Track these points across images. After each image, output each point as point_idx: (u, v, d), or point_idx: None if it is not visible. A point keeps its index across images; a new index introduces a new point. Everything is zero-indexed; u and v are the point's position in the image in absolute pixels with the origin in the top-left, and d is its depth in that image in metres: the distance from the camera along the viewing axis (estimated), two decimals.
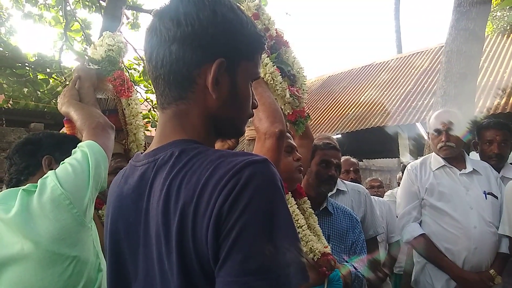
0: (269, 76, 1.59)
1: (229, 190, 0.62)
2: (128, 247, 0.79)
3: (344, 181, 2.85)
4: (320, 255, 1.60)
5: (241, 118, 0.85)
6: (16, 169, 1.32)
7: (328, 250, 1.64)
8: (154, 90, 0.83)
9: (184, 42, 0.75)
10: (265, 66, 1.59)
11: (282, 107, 1.69)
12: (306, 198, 1.81)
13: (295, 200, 1.68)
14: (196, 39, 0.75)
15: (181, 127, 0.79)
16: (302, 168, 1.73)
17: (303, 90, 1.77)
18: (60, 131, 1.75)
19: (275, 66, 1.62)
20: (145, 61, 0.82)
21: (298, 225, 1.62)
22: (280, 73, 1.63)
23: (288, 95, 1.65)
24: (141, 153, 0.85)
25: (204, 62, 0.76)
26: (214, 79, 0.76)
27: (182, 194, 0.67)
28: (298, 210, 1.67)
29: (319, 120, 10.86)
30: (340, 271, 1.84)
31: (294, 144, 1.74)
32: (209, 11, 0.76)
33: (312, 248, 1.60)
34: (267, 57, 1.63)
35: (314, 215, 1.78)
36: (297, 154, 1.72)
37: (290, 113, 1.74)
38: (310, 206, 1.79)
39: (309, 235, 1.62)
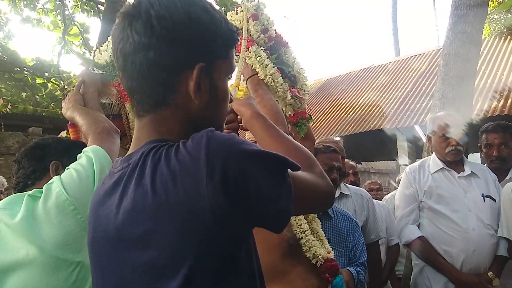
0: (269, 77, 1.57)
1: (212, 169, 0.64)
2: (106, 254, 0.76)
3: (347, 185, 2.87)
4: (323, 261, 1.59)
5: (220, 117, 0.85)
6: (23, 173, 1.32)
7: (332, 255, 1.60)
8: (129, 97, 0.81)
9: (160, 50, 0.73)
10: (266, 67, 1.57)
11: (284, 109, 1.67)
12: None
13: None
14: (172, 45, 0.73)
15: (155, 131, 0.78)
16: None
17: (304, 91, 1.74)
18: (59, 135, 1.75)
19: (276, 67, 1.60)
20: (118, 69, 0.80)
21: (301, 230, 1.59)
22: (280, 74, 1.61)
23: (289, 97, 1.63)
24: (120, 159, 0.83)
25: (183, 68, 0.75)
26: (196, 85, 0.75)
27: (158, 189, 0.66)
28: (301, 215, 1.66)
29: (317, 123, 10.87)
30: (343, 276, 1.84)
31: None
32: (183, 14, 0.74)
33: (315, 253, 1.56)
34: (267, 58, 1.60)
35: (318, 219, 1.77)
36: None
37: (292, 115, 1.72)
38: None
39: (312, 240, 1.59)
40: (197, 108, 0.77)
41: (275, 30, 1.72)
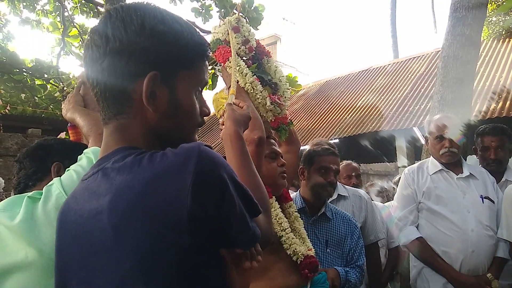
0: (249, 85, 1.64)
1: (198, 179, 0.66)
2: (74, 262, 0.76)
3: (345, 186, 2.87)
4: (303, 257, 1.63)
5: (186, 128, 0.84)
6: (25, 174, 1.32)
7: (312, 252, 1.68)
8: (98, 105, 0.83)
9: (114, 58, 0.76)
10: (245, 76, 1.64)
11: (264, 115, 1.73)
12: (292, 202, 1.85)
13: (279, 204, 1.71)
14: (125, 54, 0.75)
15: (123, 139, 0.79)
16: (286, 174, 1.76)
17: (285, 97, 1.81)
18: (58, 136, 1.74)
19: (255, 76, 1.67)
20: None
21: (282, 228, 1.66)
22: (260, 82, 1.68)
23: (269, 103, 1.69)
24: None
25: (137, 76, 0.76)
26: (147, 93, 0.76)
27: (135, 192, 0.67)
28: (282, 214, 1.70)
29: (316, 125, 10.88)
30: (328, 274, 1.86)
31: (278, 150, 1.78)
32: (136, 25, 0.76)
33: (295, 250, 1.64)
34: (247, 67, 1.68)
35: (300, 219, 1.81)
36: (281, 160, 1.75)
37: (273, 120, 1.77)
38: (296, 210, 1.84)
39: (292, 238, 1.66)
40: (155, 118, 0.78)
41: (257, 41, 1.82)
